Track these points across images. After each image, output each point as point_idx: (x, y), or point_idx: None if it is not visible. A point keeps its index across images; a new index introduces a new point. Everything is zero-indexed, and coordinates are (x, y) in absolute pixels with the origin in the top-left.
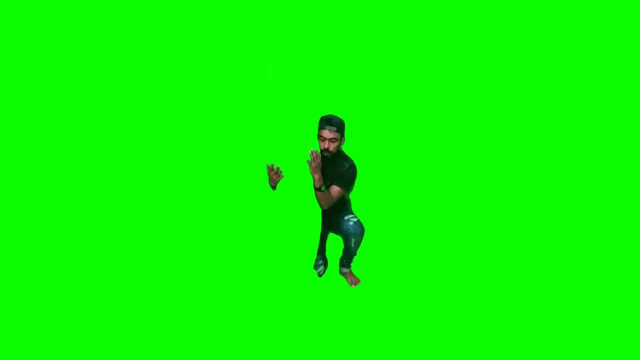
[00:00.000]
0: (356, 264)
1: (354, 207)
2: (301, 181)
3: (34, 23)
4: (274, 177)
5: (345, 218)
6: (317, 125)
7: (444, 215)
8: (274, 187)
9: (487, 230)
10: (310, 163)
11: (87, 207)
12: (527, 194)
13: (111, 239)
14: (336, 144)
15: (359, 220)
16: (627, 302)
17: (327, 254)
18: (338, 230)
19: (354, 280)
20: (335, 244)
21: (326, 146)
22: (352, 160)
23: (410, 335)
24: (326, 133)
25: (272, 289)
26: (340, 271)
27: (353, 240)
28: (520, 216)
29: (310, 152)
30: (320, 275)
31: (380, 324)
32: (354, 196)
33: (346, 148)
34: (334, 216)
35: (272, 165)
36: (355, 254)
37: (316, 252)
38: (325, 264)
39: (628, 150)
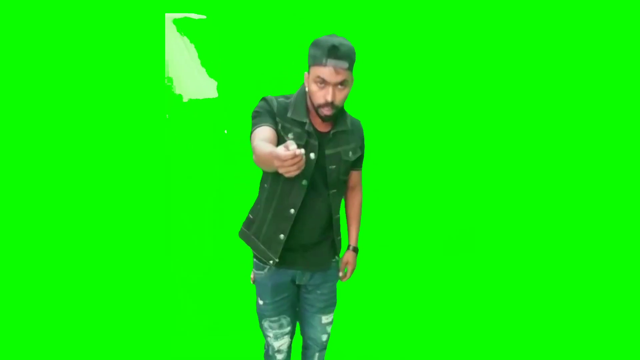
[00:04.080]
0: None
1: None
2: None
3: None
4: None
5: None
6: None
7: (434, 213)
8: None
9: (479, 228)
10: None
11: (77, 206)
12: (523, 191)
13: (101, 234)
14: (346, 91)
15: None
16: (626, 302)
17: None
18: None
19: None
20: None
21: (330, 99)
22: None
23: (398, 334)
24: (330, 73)
25: None
26: None
27: None
28: (516, 214)
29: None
30: None
31: (367, 324)
32: None
33: None
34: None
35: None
36: None
37: None
38: None
39: (628, 151)
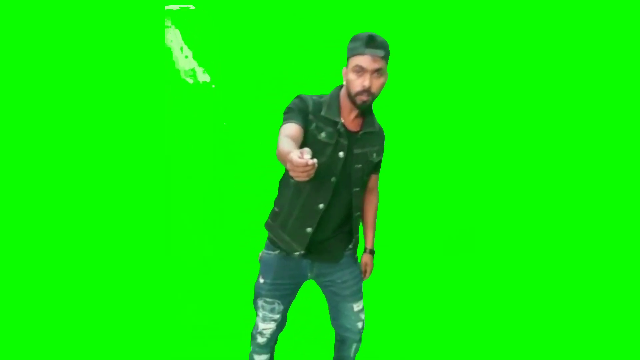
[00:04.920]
0: None
1: None
2: None
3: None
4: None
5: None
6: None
7: (435, 214)
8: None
9: (477, 230)
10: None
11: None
12: (526, 194)
13: (104, 233)
14: (382, 80)
15: None
16: (626, 302)
17: None
18: None
19: None
20: None
21: (367, 85)
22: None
23: (396, 335)
24: (368, 60)
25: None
26: None
27: None
28: (518, 216)
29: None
30: None
31: (370, 325)
32: None
33: None
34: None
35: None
36: None
37: None
38: None
39: (629, 151)
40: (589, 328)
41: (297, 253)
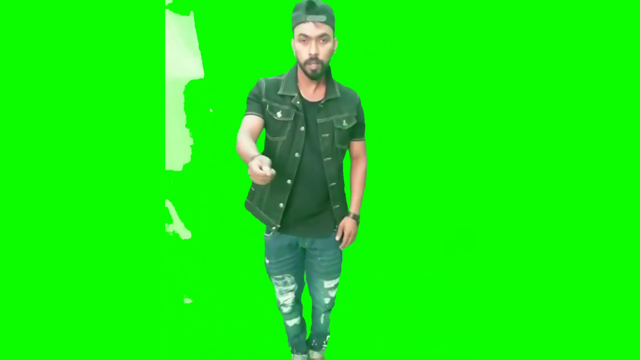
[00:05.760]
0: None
1: None
2: None
3: None
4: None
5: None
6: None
7: (434, 214)
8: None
9: (477, 230)
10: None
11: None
12: (525, 194)
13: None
14: (329, 46)
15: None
16: (627, 302)
17: None
18: None
19: None
20: None
21: (313, 52)
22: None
23: (394, 336)
24: (310, 27)
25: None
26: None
27: None
28: (518, 217)
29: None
30: None
31: (365, 324)
32: None
33: None
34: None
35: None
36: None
37: None
38: None
39: (628, 151)
40: (587, 327)
41: (273, 228)
